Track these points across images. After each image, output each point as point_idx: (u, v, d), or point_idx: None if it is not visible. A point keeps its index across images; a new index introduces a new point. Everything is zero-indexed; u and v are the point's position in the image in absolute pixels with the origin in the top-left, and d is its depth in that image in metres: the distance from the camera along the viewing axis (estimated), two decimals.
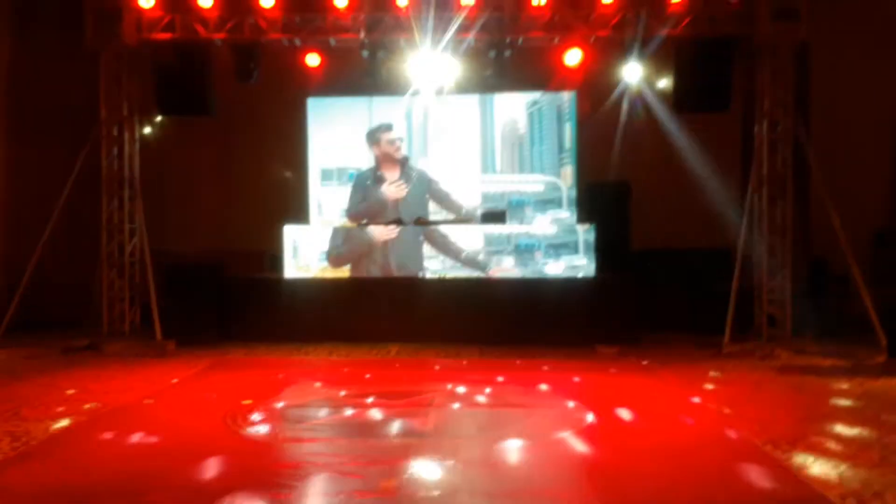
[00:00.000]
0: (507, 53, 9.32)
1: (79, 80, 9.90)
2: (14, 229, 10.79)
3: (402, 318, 9.56)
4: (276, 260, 10.08)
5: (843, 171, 9.69)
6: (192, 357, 8.54)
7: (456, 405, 6.41)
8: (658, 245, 10.23)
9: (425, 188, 10.45)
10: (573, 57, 9.38)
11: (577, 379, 7.41)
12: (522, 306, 9.37)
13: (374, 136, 10.51)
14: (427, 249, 9.92)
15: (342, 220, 10.47)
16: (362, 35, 9.31)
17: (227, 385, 7.15)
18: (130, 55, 9.45)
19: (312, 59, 9.69)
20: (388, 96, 10.32)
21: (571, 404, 6.32)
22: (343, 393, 6.78)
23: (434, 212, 10.44)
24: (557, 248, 9.79)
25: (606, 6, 9.06)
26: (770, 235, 9.12)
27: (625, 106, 10.18)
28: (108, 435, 5.42)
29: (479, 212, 10.33)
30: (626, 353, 8.69)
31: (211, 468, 4.70)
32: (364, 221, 10.27)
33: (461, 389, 6.89)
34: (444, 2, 9.14)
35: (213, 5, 9.21)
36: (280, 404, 6.40)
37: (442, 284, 9.80)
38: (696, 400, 6.50)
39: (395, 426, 5.66)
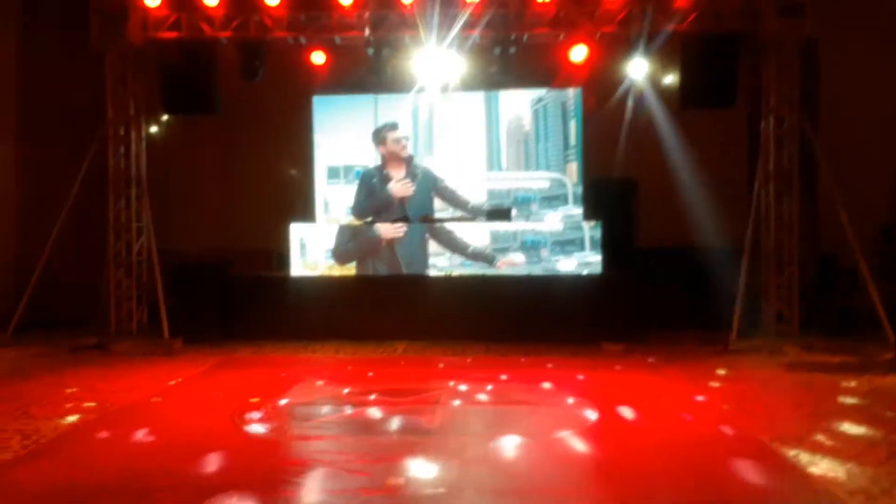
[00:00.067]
0: (513, 50, 9.30)
1: (85, 80, 9.93)
2: (22, 229, 10.85)
3: (408, 316, 9.57)
4: (282, 258, 10.10)
5: (850, 166, 9.63)
6: (199, 355, 8.57)
7: (462, 403, 6.41)
8: (664, 242, 10.20)
9: (430, 186, 10.45)
10: (578, 53, 9.36)
11: (582, 376, 7.41)
12: (528, 304, 9.37)
13: (379, 135, 10.51)
14: (433, 247, 9.93)
15: (348, 219, 10.48)
16: (367, 33, 9.30)
17: (234, 383, 7.18)
18: (136, 54, 9.45)
19: (318, 57, 9.68)
20: (393, 94, 10.30)
21: (577, 402, 6.32)
22: (349, 391, 6.80)
23: (440, 209, 10.43)
24: (563, 244, 9.79)
25: (612, 2, 9.02)
26: (777, 231, 9.08)
27: (630, 102, 10.16)
28: (116, 433, 5.45)
29: (484, 208, 10.33)
30: (632, 350, 8.67)
31: (218, 466, 4.72)
32: (370, 219, 10.29)
33: (467, 387, 6.90)
34: None
35: (219, 4, 9.20)
36: (286, 402, 6.42)
37: (448, 282, 9.81)
38: (703, 398, 6.49)
39: (402, 424, 5.67)
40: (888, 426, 5.41)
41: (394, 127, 10.47)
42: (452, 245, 9.93)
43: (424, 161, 10.52)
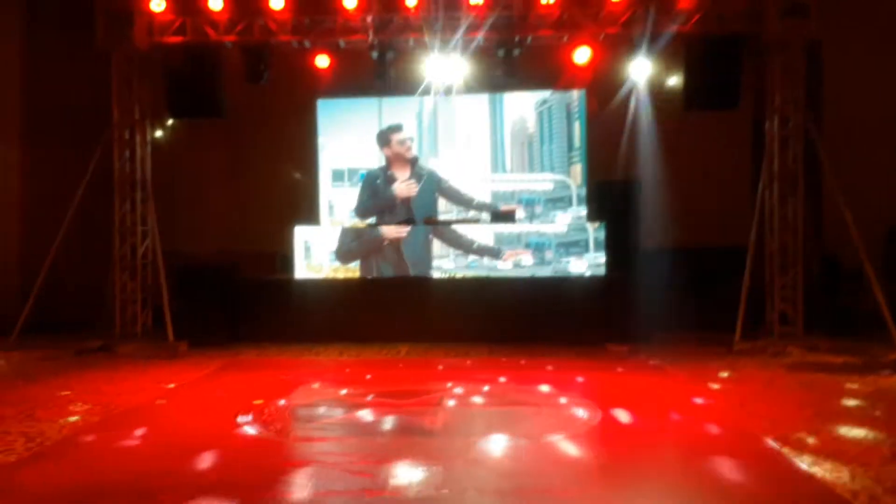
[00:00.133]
0: (516, 52, 9.33)
1: (88, 80, 9.98)
2: (28, 232, 10.91)
3: (411, 318, 9.60)
4: (287, 261, 10.14)
5: (854, 167, 9.61)
6: (203, 358, 8.60)
7: (464, 404, 6.42)
8: (668, 243, 10.18)
9: (435, 186, 10.48)
10: (582, 55, 9.37)
11: (582, 378, 7.41)
12: (532, 305, 9.39)
13: (384, 137, 10.54)
14: (437, 248, 9.95)
15: (353, 221, 10.51)
16: (371, 36, 9.34)
17: (238, 385, 7.19)
18: (141, 59, 9.52)
19: (322, 61, 9.71)
20: (397, 97, 10.35)
21: (578, 403, 6.31)
22: (352, 392, 6.81)
23: (444, 211, 10.45)
24: (568, 246, 9.80)
25: (615, 4, 9.04)
26: (781, 232, 9.08)
27: (633, 104, 10.16)
28: (120, 435, 5.47)
29: (489, 206, 10.35)
30: (636, 351, 8.67)
31: (222, 468, 4.74)
32: (373, 221, 10.32)
33: (469, 389, 6.90)
34: (453, 2, 9.16)
35: (224, 8, 9.27)
36: (290, 404, 6.44)
37: (451, 284, 9.83)
38: (705, 399, 6.49)
39: (404, 425, 5.68)
40: (891, 427, 5.39)
41: (398, 128, 10.50)
42: (458, 243, 9.96)
43: (429, 163, 10.55)
